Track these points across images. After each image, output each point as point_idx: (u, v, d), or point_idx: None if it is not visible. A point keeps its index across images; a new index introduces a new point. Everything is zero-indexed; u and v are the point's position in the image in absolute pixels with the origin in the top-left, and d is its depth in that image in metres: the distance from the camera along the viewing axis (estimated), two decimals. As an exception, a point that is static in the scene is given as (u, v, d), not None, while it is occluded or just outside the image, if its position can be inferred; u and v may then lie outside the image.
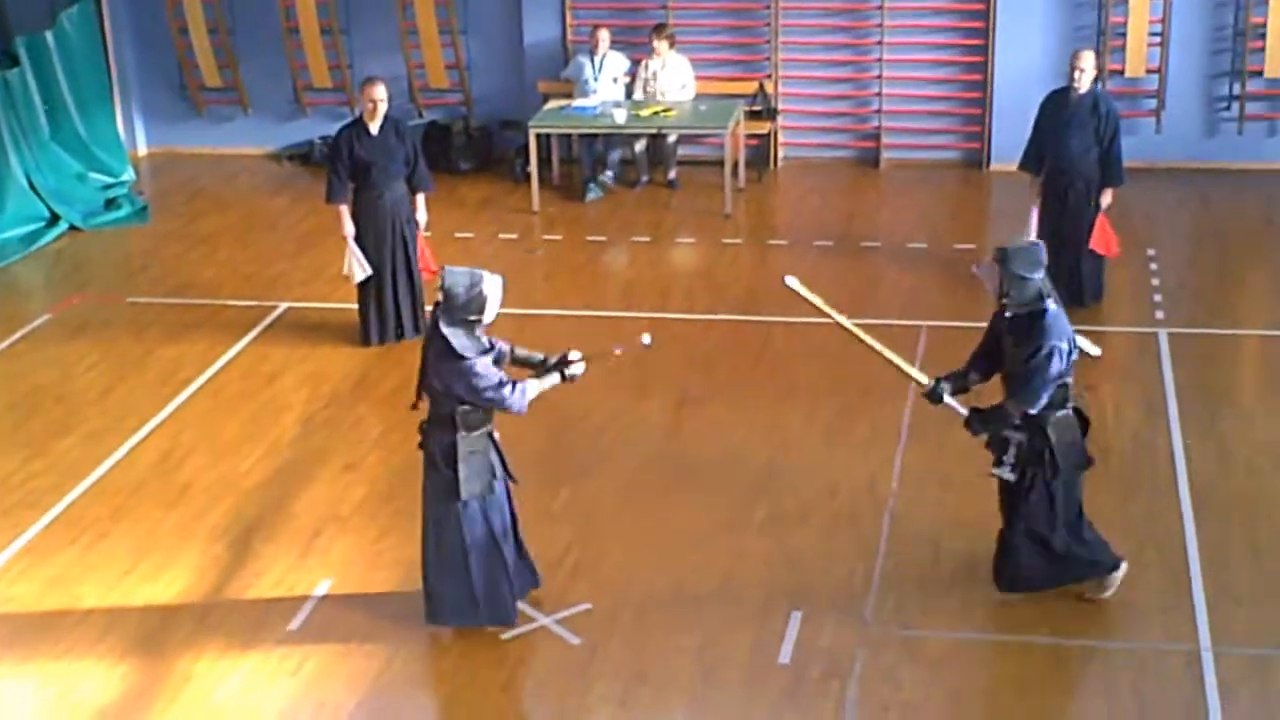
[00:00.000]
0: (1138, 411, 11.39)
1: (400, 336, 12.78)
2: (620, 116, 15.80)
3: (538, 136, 16.14)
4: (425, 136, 16.73)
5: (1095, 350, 9.46)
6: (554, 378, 8.81)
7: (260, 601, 9.34)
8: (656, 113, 15.96)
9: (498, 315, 8.59)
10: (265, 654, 8.84)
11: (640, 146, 16.54)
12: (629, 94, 16.61)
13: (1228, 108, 16.53)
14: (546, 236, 15.11)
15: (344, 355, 12.64)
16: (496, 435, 8.82)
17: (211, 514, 10.33)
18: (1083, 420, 8.95)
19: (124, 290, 14.25)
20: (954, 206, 15.99)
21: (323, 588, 9.43)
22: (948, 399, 9.12)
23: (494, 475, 8.79)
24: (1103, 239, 12.81)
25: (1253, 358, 12.45)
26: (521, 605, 9.12)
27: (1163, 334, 12.60)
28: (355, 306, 12.88)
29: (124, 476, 10.88)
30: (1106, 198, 12.78)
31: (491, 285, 8.50)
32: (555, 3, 17.23)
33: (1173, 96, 16.46)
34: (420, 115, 17.71)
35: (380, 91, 12.46)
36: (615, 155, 16.63)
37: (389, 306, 12.76)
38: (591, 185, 16.34)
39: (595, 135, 16.30)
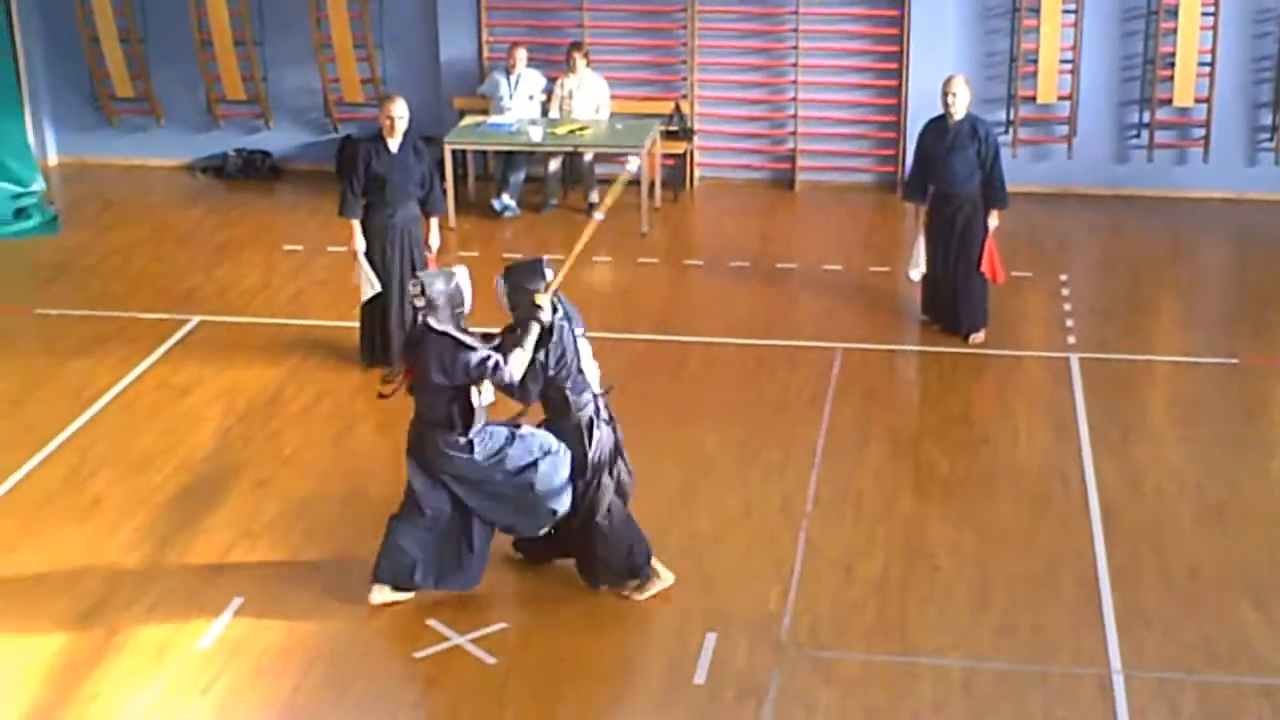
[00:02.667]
0: (1049, 435, 11.50)
1: (387, 357, 12.51)
2: (536, 134, 15.79)
3: (453, 153, 16.11)
4: (339, 151, 16.63)
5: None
6: (532, 327, 8.99)
7: (170, 618, 9.24)
8: (572, 131, 15.96)
9: None
10: (176, 672, 8.75)
11: (554, 166, 16.52)
12: (544, 112, 16.60)
13: (1138, 135, 16.73)
14: (462, 253, 15.07)
15: (258, 370, 12.54)
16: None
17: (122, 529, 10.22)
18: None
19: (33, 302, 14.07)
20: (869, 229, 16.09)
21: (234, 605, 9.35)
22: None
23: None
24: (990, 263, 12.90)
25: (1163, 383, 12.60)
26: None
27: (1074, 358, 12.73)
28: (271, 321, 12.77)
29: (33, 490, 10.75)
30: (994, 220, 12.88)
31: (463, 277, 9.09)
32: (471, 19, 17.20)
33: (1084, 123, 16.65)
34: (335, 129, 17.63)
35: (400, 109, 12.21)
36: (518, 177, 16.48)
37: (392, 325, 12.40)
38: (501, 202, 16.28)
39: (510, 153, 16.27)
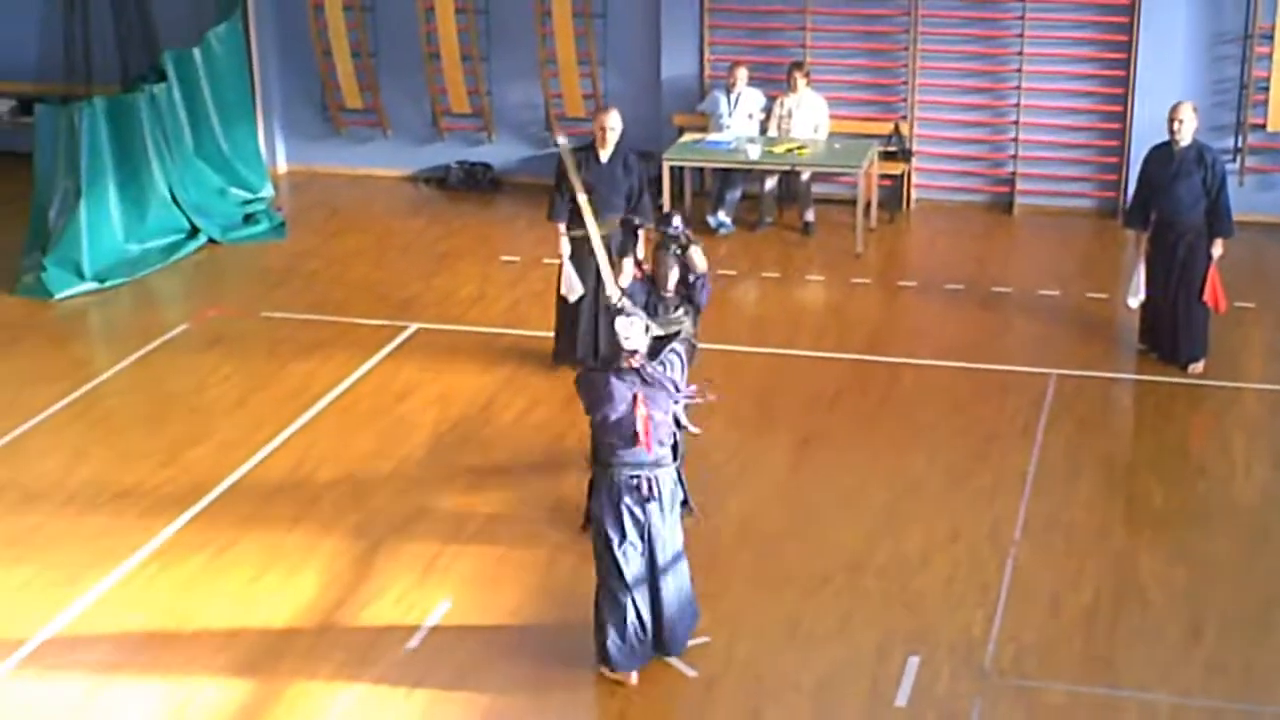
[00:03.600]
0: (1267, 469, 11.23)
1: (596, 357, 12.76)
2: (754, 152, 15.83)
3: (671, 169, 16.22)
4: (558, 166, 16.82)
5: None
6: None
7: (380, 618, 9.44)
8: (790, 150, 15.97)
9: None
10: (382, 672, 8.92)
11: (771, 185, 16.55)
12: (763, 130, 16.64)
13: (1372, 165, 16.31)
14: (676, 269, 15.14)
15: (473, 378, 12.75)
16: (626, 474, 8.65)
17: (337, 529, 10.46)
18: None
19: (259, 305, 14.48)
20: (1087, 255, 15.85)
21: (441, 609, 9.51)
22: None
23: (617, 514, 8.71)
24: (1213, 292, 12.64)
25: (1388, 421, 12.26)
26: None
27: (1297, 393, 12.45)
28: (487, 329, 12.97)
29: (254, 487, 11.05)
30: (1218, 249, 12.61)
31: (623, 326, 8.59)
32: (694, 37, 17.31)
33: (1314, 152, 16.26)
34: (555, 144, 17.82)
35: (612, 120, 12.42)
36: (734, 194, 16.53)
37: (584, 329, 12.64)
38: (716, 218, 16.34)
39: (727, 170, 16.33)
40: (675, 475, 8.87)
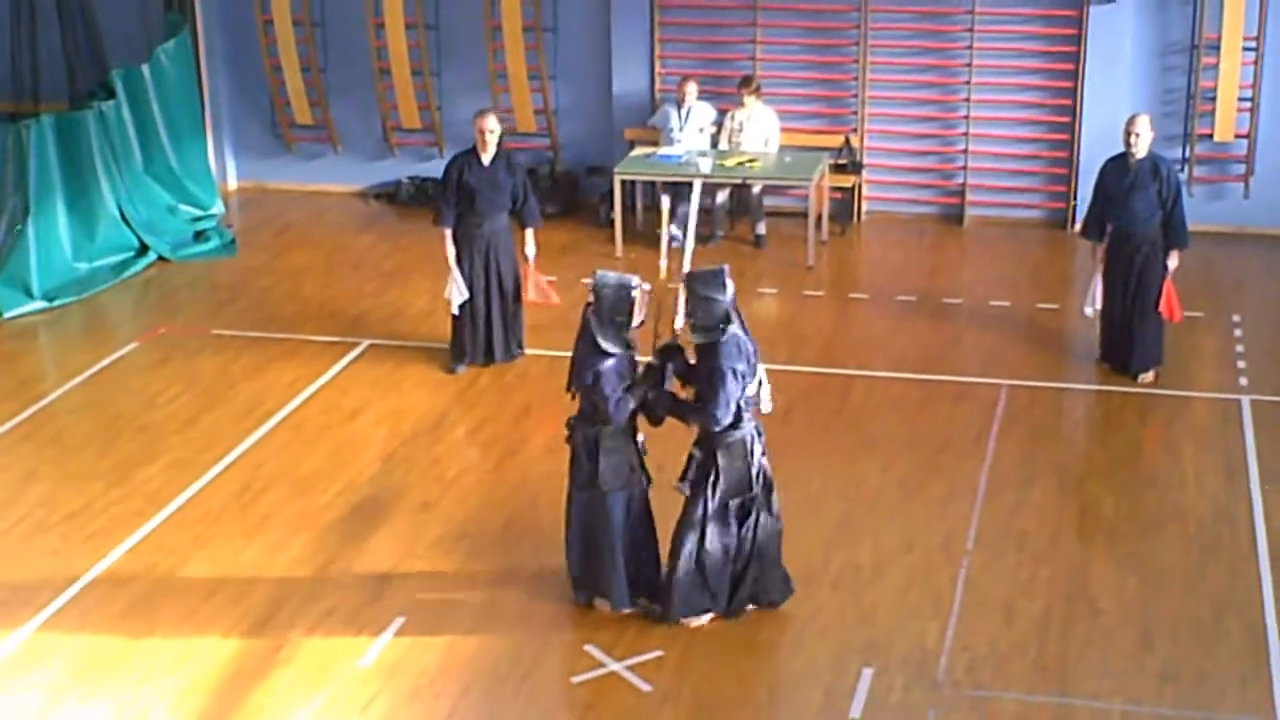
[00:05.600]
0: (1218, 478, 11.29)
1: (490, 361, 13.02)
2: (705, 166, 15.84)
3: (623, 183, 16.23)
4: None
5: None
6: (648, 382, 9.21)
7: (333, 636, 9.40)
8: (741, 163, 16.00)
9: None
10: (336, 689, 8.89)
11: (723, 198, 16.56)
12: (714, 144, 16.66)
13: (1318, 174, 16.42)
14: (628, 283, 15.15)
15: (424, 394, 12.73)
16: (641, 437, 9.30)
17: (289, 547, 10.41)
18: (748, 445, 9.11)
19: (210, 322, 14.41)
20: (1037, 265, 15.93)
21: (395, 625, 9.48)
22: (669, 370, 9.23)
23: (631, 471, 9.28)
24: (1168, 303, 12.70)
25: (1337, 428, 12.34)
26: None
27: (1246, 400, 12.50)
28: (437, 345, 13.02)
29: (204, 506, 10.99)
30: (1174, 260, 12.67)
31: (639, 290, 9.15)
32: (644, 52, 17.33)
33: (1262, 162, 16.34)
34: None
35: (491, 123, 12.74)
36: (686, 208, 16.45)
37: (480, 331, 12.99)
38: (669, 233, 16.30)
39: (679, 184, 16.33)
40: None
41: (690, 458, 9.19)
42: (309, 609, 9.67)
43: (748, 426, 9.09)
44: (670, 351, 9.24)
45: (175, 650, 9.26)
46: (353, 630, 9.45)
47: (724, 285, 9.06)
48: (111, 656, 9.22)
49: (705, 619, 9.38)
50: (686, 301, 9.08)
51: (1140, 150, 12.54)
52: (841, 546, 10.35)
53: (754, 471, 9.14)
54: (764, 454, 9.21)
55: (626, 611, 9.46)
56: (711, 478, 9.10)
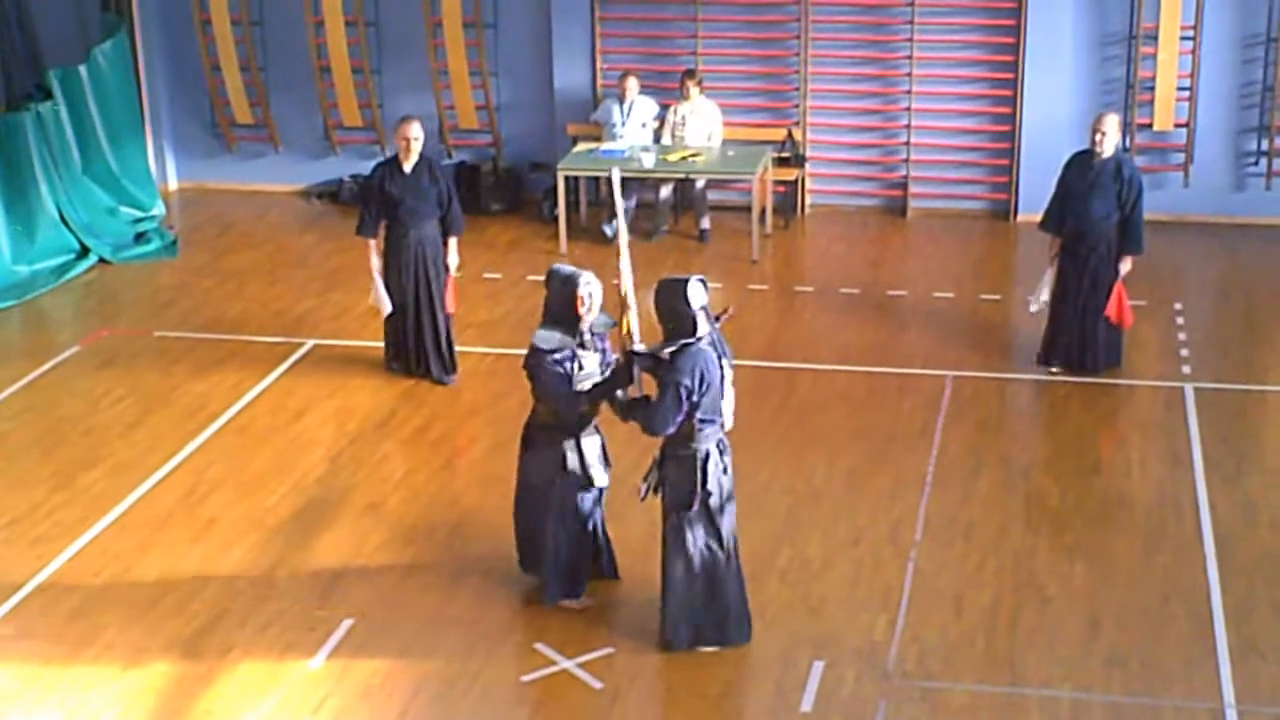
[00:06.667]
0: (1162, 466, 11.37)
1: (426, 374, 12.80)
2: (648, 160, 15.84)
3: (566, 179, 16.22)
4: (455, 177, 16.77)
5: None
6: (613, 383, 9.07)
7: (282, 639, 9.35)
8: (685, 157, 16.01)
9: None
10: (286, 692, 8.84)
11: (666, 193, 16.56)
12: (657, 138, 16.66)
13: (1255, 163, 16.53)
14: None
15: (370, 393, 12.69)
16: (597, 439, 9.42)
17: (236, 550, 10.35)
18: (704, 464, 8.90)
19: (152, 324, 14.32)
20: (981, 257, 16.00)
21: (345, 626, 9.44)
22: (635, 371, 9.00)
23: (565, 470, 9.30)
24: (1118, 308, 12.69)
25: (1279, 414, 12.43)
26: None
27: (1189, 388, 12.58)
28: (382, 345, 12.98)
29: (150, 510, 10.92)
30: (1125, 265, 12.62)
31: (586, 284, 9.10)
32: (585, 47, 17.31)
33: (1201, 151, 16.47)
34: (450, 155, 17.78)
35: (414, 130, 12.53)
36: (630, 203, 16.44)
37: (410, 343, 12.80)
38: (612, 227, 16.33)
39: (622, 179, 16.28)
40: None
41: (652, 461, 9.16)
42: (258, 611, 9.62)
43: (705, 444, 8.85)
44: (637, 354, 8.97)
45: (123, 655, 9.19)
46: (302, 632, 9.39)
47: (686, 296, 8.80)
48: (58, 663, 9.14)
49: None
50: (655, 309, 8.92)
51: (1106, 150, 12.45)
52: (790, 540, 10.37)
53: (700, 490, 8.85)
54: (725, 473, 8.95)
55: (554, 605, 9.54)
56: (664, 487, 9.04)
